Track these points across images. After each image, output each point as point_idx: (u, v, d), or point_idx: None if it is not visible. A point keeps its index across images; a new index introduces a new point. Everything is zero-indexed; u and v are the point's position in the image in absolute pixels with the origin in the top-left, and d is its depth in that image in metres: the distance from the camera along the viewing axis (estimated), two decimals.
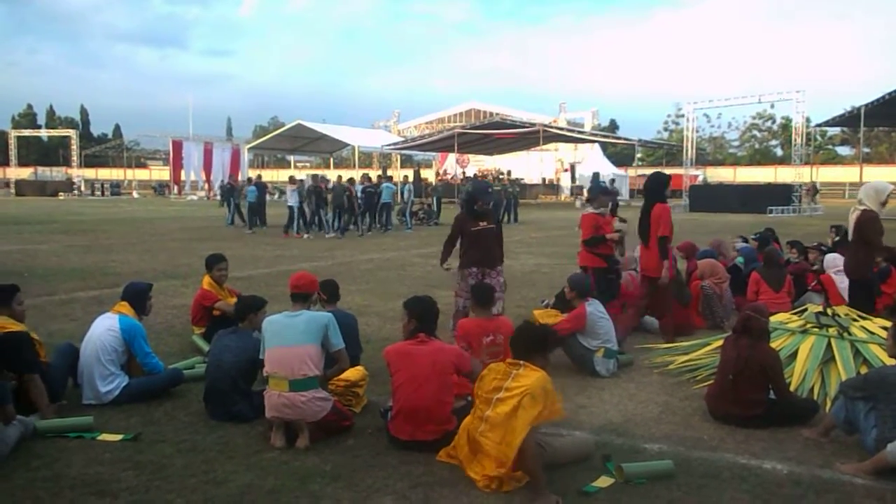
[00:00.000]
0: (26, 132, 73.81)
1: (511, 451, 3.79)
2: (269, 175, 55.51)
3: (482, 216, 7.12)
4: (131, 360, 5.36)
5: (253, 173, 43.07)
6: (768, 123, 77.58)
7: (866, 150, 64.63)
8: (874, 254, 7.12)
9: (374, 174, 30.24)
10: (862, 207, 6.92)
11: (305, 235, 20.52)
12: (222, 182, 41.31)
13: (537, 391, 3.86)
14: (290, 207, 21.11)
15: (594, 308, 6.33)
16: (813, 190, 37.94)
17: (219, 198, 33.71)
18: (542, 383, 3.90)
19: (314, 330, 4.59)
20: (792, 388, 5.22)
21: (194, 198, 49.39)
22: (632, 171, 56.69)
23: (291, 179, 22.67)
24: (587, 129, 55.41)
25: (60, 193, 51.12)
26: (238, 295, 7.06)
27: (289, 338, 4.54)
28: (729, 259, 9.39)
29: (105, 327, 5.33)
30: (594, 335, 6.19)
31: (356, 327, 5.97)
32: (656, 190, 7.32)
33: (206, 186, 52.08)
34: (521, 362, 4.05)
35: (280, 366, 4.50)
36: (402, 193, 24.93)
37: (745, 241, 10.39)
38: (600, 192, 7.92)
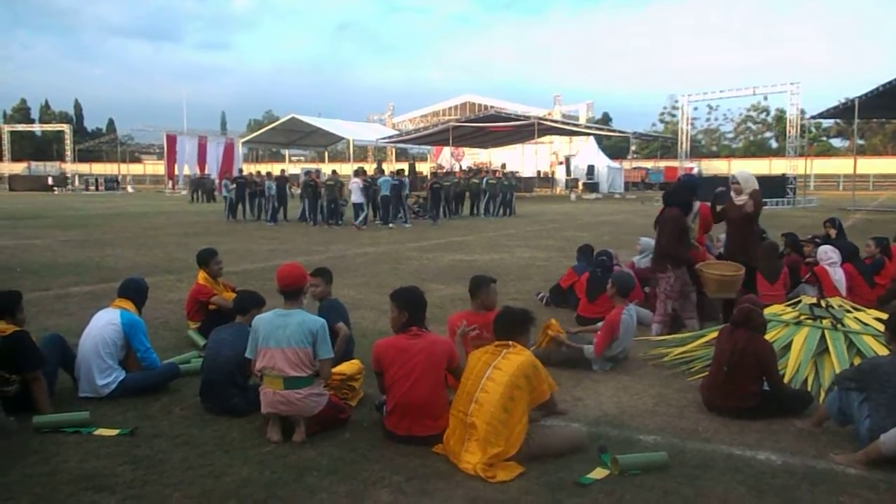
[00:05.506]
0: (19, 127, 73.44)
1: (509, 434, 3.96)
2: (263, 169, 55.38)
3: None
4: (129, 356, 5.36)
5: (249, 167, 42.83)
6: (763, 115, 77.73)
7: (860, 141, 64.81)
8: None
9: (369, 167, 30.09)
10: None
11: (365, 226, 20.61)
12: (197, 178, 41.73)
13: (529, 370, 4.12)
14: (356, 204, 20.66)
15: (629, 315, 6.09)
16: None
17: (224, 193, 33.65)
18: (532, 362, 4.17)
19: (304, 334, 4.48)
20: (786, 380, 5.25)
21: (185, 192, 49.17)
22: (626, 164, 56.83)
23: (357, 172, 22.08)
24: (582, 121, 55.48)
25: (54, 188, 50.94)
26: (234, 289, 7.08)
27: (281, 339, 4.46)
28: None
29: (106, 321, 5.34)
30: (614, 345, 6.01)
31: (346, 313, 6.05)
32: None
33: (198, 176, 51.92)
34: (510, 343, 4.24)
35: (273, 366, 4.46)
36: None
37: None
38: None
